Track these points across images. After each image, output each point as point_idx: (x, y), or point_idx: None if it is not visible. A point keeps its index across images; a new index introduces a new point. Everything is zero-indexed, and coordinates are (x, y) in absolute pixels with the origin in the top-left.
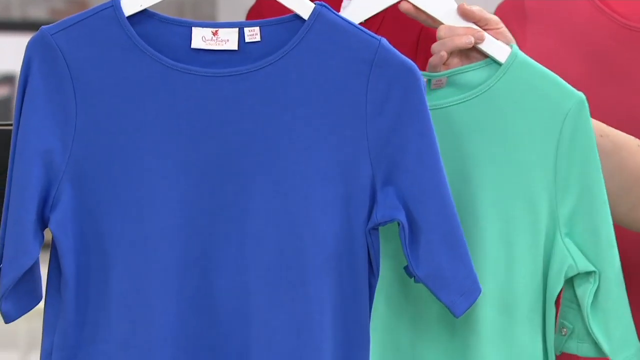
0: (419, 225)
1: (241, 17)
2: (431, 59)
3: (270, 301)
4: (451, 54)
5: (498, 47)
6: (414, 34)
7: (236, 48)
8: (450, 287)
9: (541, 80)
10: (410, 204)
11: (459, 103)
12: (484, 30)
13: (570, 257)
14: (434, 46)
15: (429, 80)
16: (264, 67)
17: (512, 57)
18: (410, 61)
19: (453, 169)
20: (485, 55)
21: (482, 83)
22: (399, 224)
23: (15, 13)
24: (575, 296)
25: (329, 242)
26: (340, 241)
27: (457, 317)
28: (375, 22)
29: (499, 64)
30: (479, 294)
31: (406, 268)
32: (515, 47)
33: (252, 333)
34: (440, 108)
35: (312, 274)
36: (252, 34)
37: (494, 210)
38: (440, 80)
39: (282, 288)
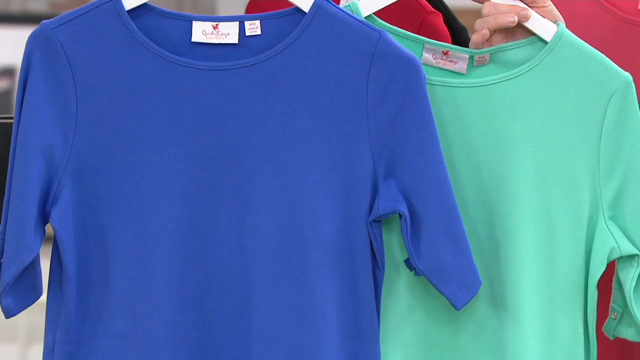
0: (420, 217)
1: (240, 10)
2: (473, 36)
3: (271, 295)
4: (494, 31)
5: (544, 26)
6: (414, 25)
7: (236, 42)
8: (451, 279)
9: (587, 60)
10: (411, 196)
11: (502, 81)
12: (531, 7)
13: (613, 240)
14: (477, 23)
15: (471, 57)
16: (264, 60)
17: (558, 36)
18: (411, 54)
19: (492, 148)
20: (531, 33)
21: (526, 61)
22: (400, 216)
23: (15, 6)
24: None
25: (330, 235)
26: (341, 233)
27: (458, 310)
28: (376, 13)
29: (544, 42)
30: (479, 287)
31: (407, 261)
32: (562, 25)
33: (253, 326)
34: (482, 86)
35: (314, 267)
36: (253, 28)
37: (534, 190)
38: (483, 57)
39: (284, 281)
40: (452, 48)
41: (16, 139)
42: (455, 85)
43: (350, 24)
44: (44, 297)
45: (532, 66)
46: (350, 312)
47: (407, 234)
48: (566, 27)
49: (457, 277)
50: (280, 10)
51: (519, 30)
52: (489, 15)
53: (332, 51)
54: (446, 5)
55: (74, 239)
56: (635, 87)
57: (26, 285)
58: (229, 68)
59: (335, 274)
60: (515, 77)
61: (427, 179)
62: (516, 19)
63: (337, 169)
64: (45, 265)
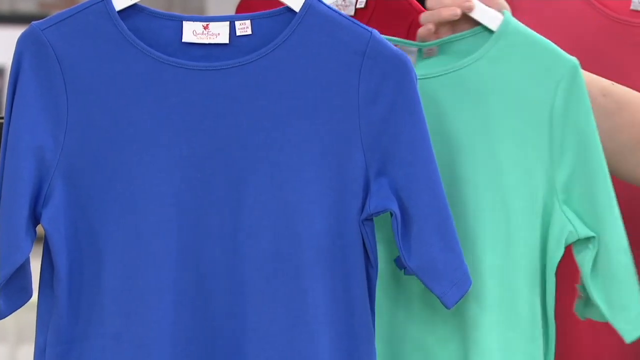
0: (410, 215)
1: (230, 10)
2: (419, 31)
3: (264, 294)
4: (440, 23)
5: (489, 16)
6: (404, 24)
7: (227, 42)
8: (442, 278)
9: (534, 48)
10: (403, 195)
11: (450, 72)
12: None
13: (570, 224)
14: (422, 17)
15: (420, 50)
16: (255, 60)
17: (505, 24)
18: (402, 52)
19: (445, 139)
20: (478, 23)
21: (474, 51)
22: (391, 215)
23: (4, 6)
24: None
25: (323, 234)
26: (334, 232)
27: (448, 308)
28: (366, 13)
29: (491, 31)
30: (469, 285)
31: (397, 260)
32: (508, 14)
33: (247, 326)
34: (431, 77)
35: (307, 266)
36: (243, 28)
37: (490, 179)
38: (432, 50)
39: (277, 281)
40: (400, 42)
41: (6, 140)
42: None
43: (341, 23)
44: (32, 298)
45: (480, 57)
46: (343, 311)
47: (397, 232)
48: (556, 27)
49: (448, 275)
50: (270, 10)
51: (466, 21)
52: (433, 9)
53: (323, 50)
54: None
55: (66, 240)
56: (624, 87)
57: (17, 287)
58: (220, 68)
59: (328, 273)
60: (463, 67)
61: (418, 177)
62: (459, 11)
63: (330, 167)
64: (35, 266)
